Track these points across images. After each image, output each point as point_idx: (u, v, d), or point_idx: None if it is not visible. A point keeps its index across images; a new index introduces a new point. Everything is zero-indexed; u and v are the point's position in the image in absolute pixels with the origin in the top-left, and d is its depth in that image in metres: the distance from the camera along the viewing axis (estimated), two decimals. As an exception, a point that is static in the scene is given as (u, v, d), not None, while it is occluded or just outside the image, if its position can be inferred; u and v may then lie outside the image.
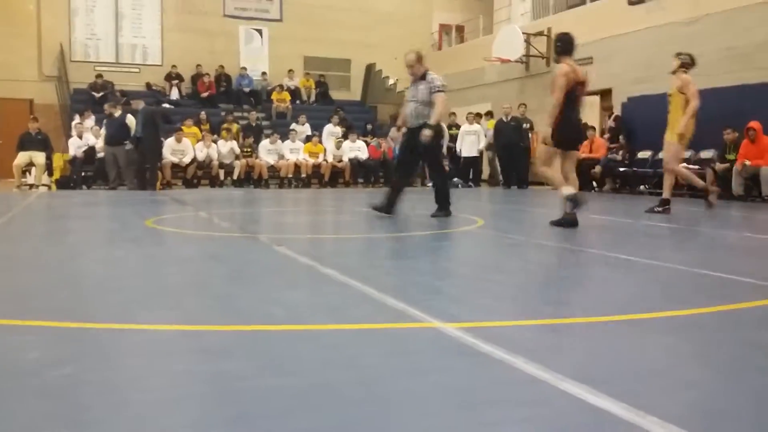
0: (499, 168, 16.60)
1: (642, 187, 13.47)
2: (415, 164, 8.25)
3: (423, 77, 7.24)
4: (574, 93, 6.31)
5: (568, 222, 6.29)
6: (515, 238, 6.22)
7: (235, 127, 16.62)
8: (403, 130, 7.50)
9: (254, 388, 1.97)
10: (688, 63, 8.18)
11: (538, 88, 17.05)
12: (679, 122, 7.98)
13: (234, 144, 15.77)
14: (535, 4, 19.40)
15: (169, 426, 1.73)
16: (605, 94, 15.75)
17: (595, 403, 1.83)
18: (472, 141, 16.13)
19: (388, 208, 7.24)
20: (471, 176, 16.52)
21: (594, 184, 14.04)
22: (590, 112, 15.66)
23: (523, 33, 17.36)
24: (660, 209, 8.11)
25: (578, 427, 1.70)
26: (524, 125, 15.77)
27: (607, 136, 14.39)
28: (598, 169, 13.82)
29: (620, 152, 13.73)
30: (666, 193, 8.25)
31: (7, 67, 18.11)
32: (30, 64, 18.70)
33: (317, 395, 1.91)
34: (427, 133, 6.95)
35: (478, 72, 19.49)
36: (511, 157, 15.72)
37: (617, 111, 14.86)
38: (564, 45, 6.50)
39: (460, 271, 4.37)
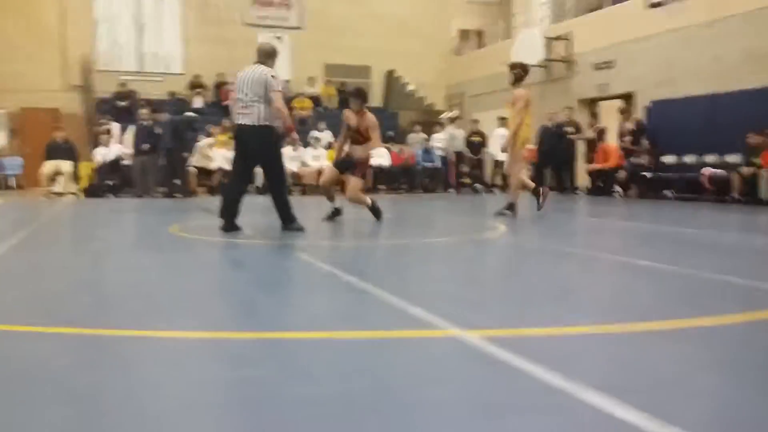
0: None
1: (667, 191, 13.33)
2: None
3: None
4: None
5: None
6: (536, 245, 6.19)
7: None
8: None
9: (275, 397, 1.99)
10: (520, 75, 8.33)
11: (558, 92, 16.96)
12: (511, 133, 8.33)
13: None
14: (554, 8, 19.31)
15: (191, 434, 1.75)
16: (627, 98, 15.60)
17: (615, 413, 1.82)
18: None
19: (230, 224, 6.41)
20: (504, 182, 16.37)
21: (619, 188, 13.89)
22: (609, 118, 15.50)
23: (542, 37, 17.30)
24: (508, 211, 8.40)
25: (598, 437, 1.70)
26: (567, 130, 15.19)
27: (628, 138, 14.21)
28: (622, 173, 13.69)
29: (645, 157, 13.58)
30: (512, 197, 8.54)
31: (33, 78, 18.38)
32: (55, 74, 18.96)
33: (338, 404, 1.92)
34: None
35: (498, 77, 19.37)
36: (550, 164, 15.34)
37: (640, 114, 14.70)
38: (359, 97, 8.28)
39: (480, 279, 4.36)
